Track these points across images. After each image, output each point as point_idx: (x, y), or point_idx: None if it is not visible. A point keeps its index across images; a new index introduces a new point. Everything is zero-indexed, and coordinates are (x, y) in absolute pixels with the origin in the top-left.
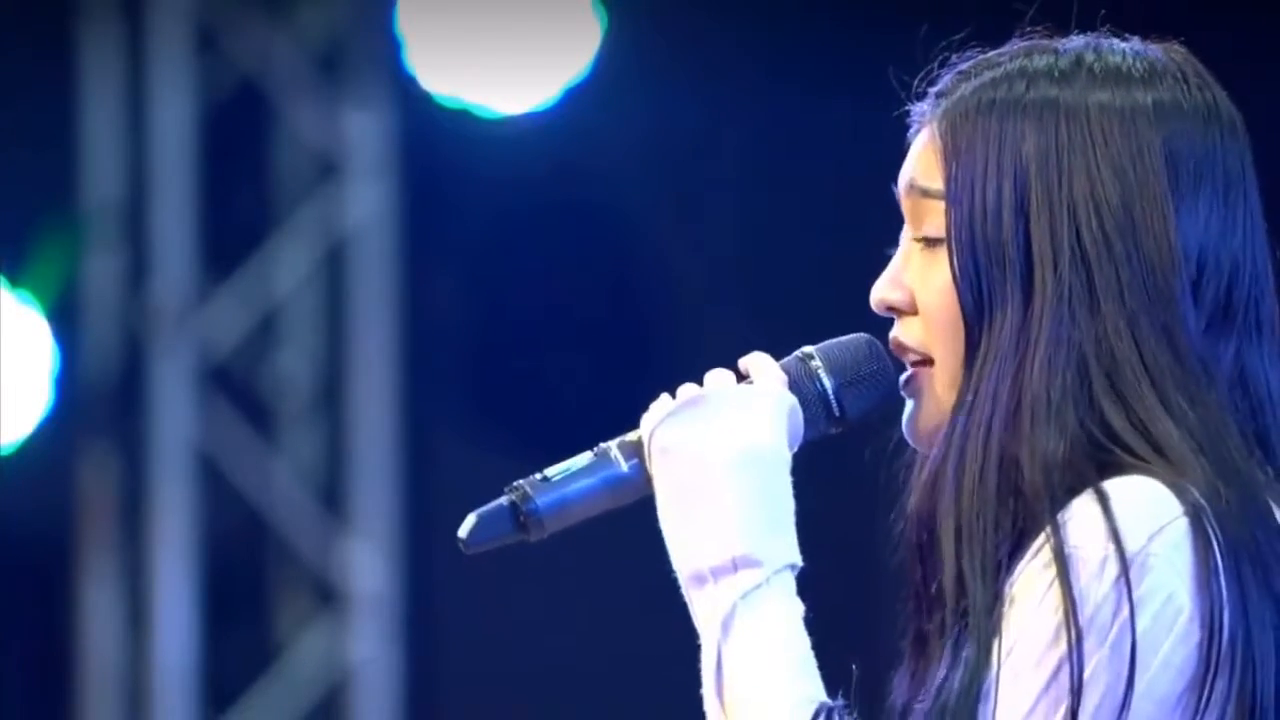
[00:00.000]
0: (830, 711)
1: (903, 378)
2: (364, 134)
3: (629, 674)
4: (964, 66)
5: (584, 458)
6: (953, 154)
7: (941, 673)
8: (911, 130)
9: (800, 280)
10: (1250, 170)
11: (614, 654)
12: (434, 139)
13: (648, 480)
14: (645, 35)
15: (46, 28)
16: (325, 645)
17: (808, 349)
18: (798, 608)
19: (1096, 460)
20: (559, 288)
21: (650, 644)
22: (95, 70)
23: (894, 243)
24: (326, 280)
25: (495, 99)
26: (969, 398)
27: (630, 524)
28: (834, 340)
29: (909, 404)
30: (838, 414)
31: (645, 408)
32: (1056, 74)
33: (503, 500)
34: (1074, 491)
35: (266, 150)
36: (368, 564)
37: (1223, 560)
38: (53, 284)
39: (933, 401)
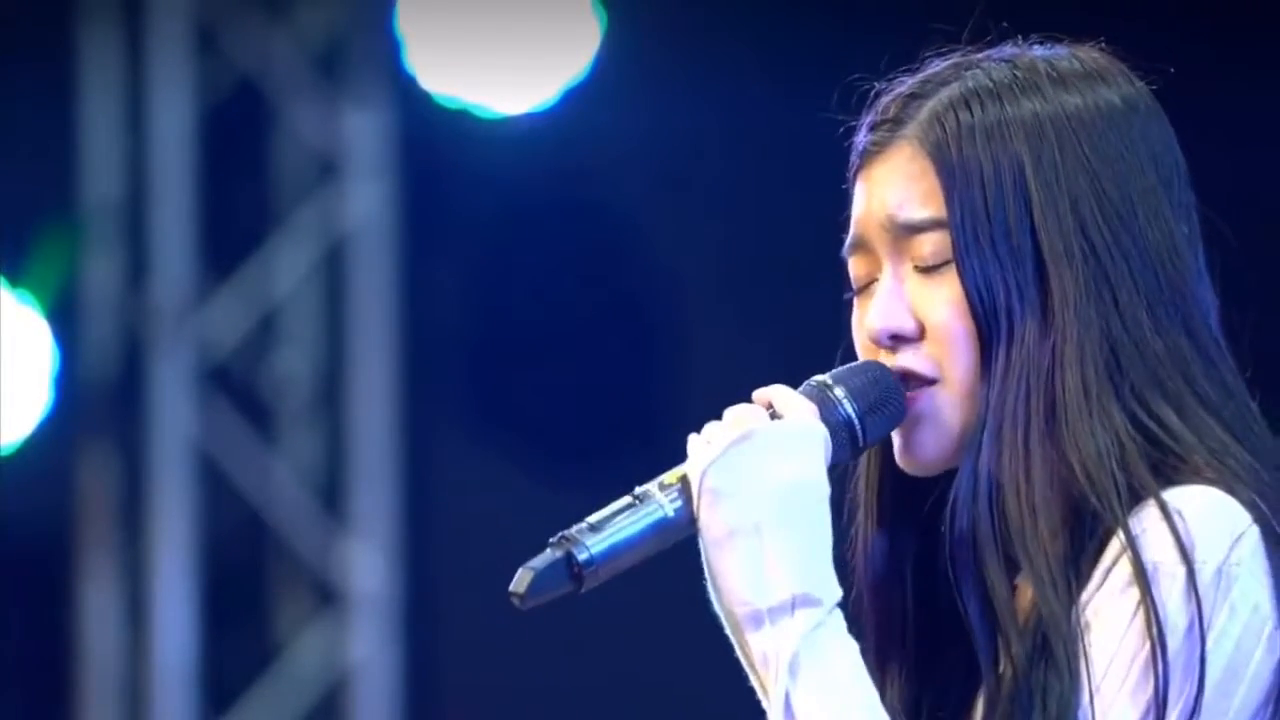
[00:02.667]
0: None
1: (911, 404)
2: (363, 134)
3: (628, 675)
4: (905, 91)
5: (625, 503)
6: (946, 174)
7: (1006, 697)
8: (857, 166)
9: (799, 281)
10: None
11: (614, 655)
12: (433, 139)
13: (692, 521)
14: (645, 36)
15: (46, 28)
16: (325, 645)
17: (822, 378)
18: (854, 643)
19: (1148, 457)
20: (558, 287)
21: (650, 645)
22: (95, 70)
23: None
24: (326, 280)
25: (495, 99)
26: (997, 409)
27: None
28: (845, 368)
29: (906, 434)
30: (862, 443)
31: (644, 409)
32: (1020, 84)
33: (555, 553)
34: (1134, 495)
35: (266, 150)
36: (367, 564)
37: None
38: (52, 283)
39: (938, 424)
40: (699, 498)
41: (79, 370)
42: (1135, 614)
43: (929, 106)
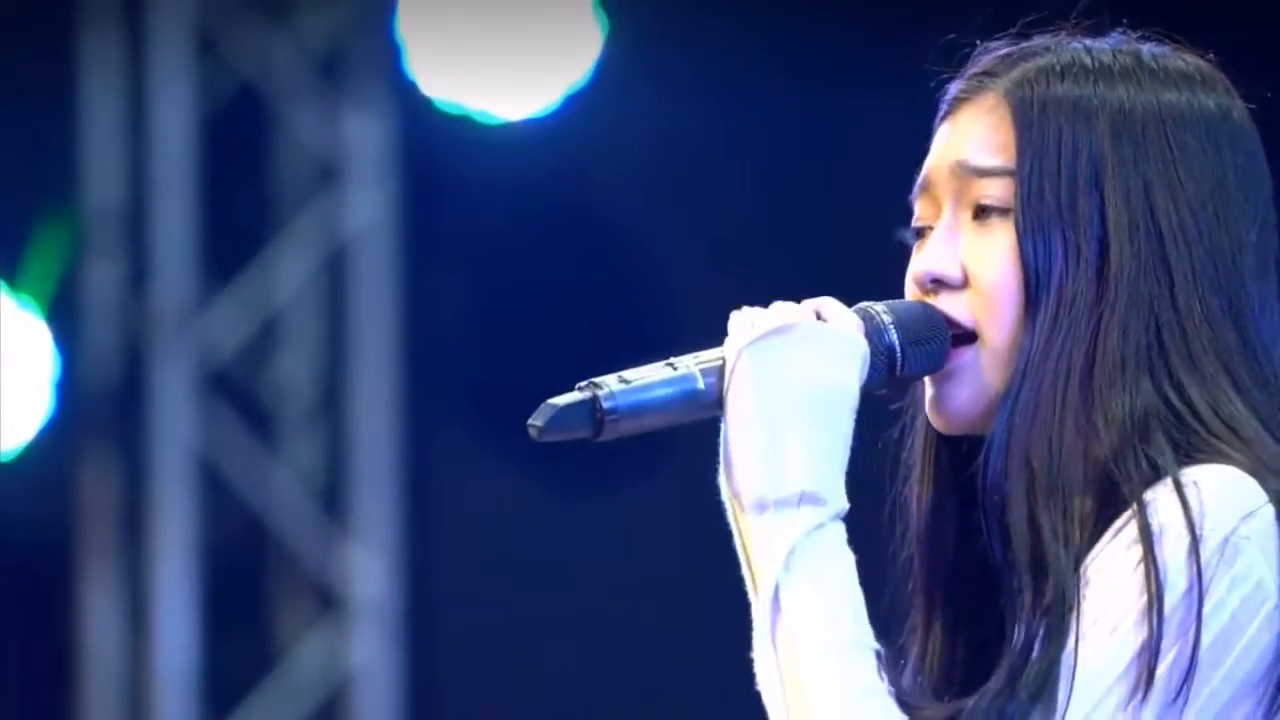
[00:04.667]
0: (884, 658)
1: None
2: (364, 139)
3: (629, 679)
4: (1005, 50)
5: (659, 366)
6: (1023, 127)
7: (1017, 644)
8: (944, 112)
9: (803, 284)
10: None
11: (614, 659)
12: (434, 144)
13: (719, 401)
14: (646, 40)
15: (47, 32)
16: (325, 650)
17: (874, 304)
18: (852, 555)
19: (1171, 436)
20: (559, 292)
21: (651, 648)
22: (96, 75)
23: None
24: (327, 285)
25: (496, 104)
26: (1038, 365)
27: (629, 528)
28: (896, 300)
29: (941, 386)
30: (898, 371)
31: None
32: (1121, 69)
33: (582, 395)
34: (1154, 468)
35: (267, 155)
36: (368, 569)
37: None
38: (51, 286)
39: (974, 380)
40: (730, 375)
41: (79, 375)
42: (1135, 569)
43: (1024, 67)
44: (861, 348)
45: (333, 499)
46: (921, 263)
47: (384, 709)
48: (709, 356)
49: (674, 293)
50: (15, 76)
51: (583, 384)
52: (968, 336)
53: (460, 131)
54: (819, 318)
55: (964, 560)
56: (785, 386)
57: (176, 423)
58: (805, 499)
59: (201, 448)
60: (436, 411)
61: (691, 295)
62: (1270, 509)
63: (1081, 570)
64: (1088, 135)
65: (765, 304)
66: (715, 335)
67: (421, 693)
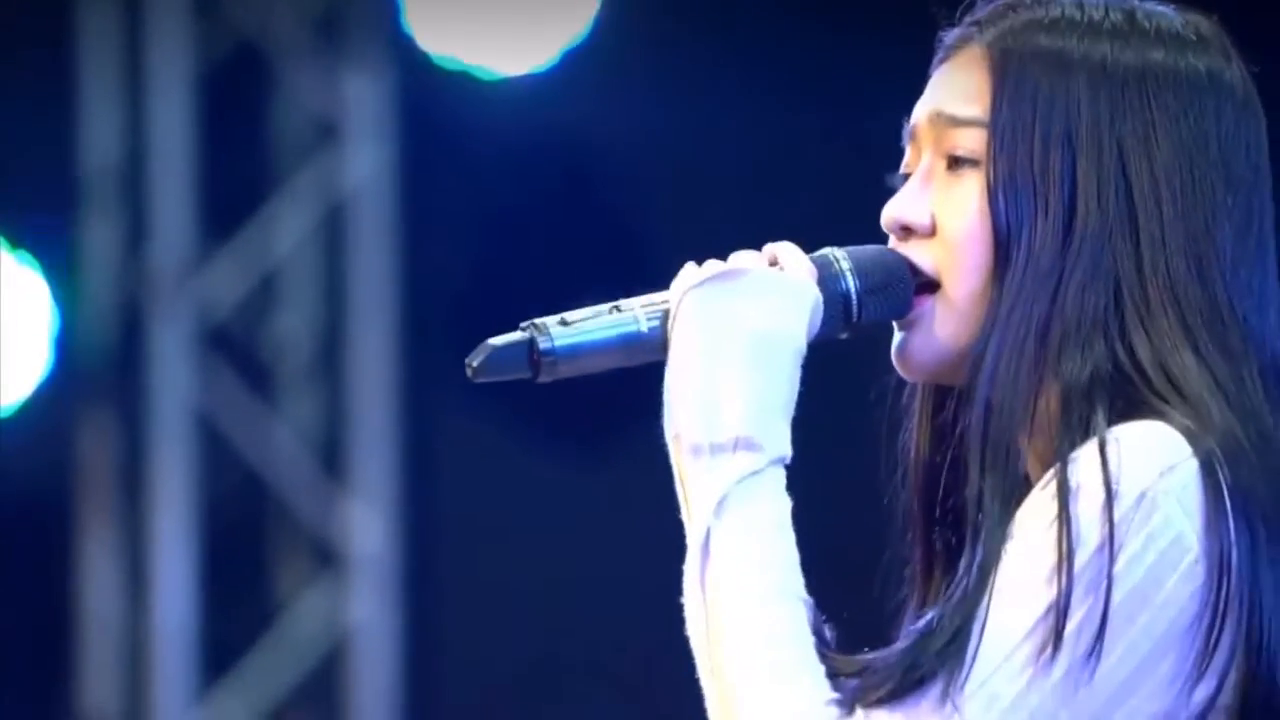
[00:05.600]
0: (813, 608)
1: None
2: (363, 96)
3: (629, 635)
4: (998, 1)
5: (602, 309)
6: (1001, 79)
7: (952, 598)
8: (938, 58)
9: (803, 233)
10: (1265, 145)
11: (614, 615)
12: (433, 101)
13: (663, 346)
14: None
15: None
16: (324, 607)
17: (835, 250)
18: (788, 502)
19: (1114, 394)
20: (558, 248)
21: (652, 606)
22: (93, 32)
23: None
24: (325, 243)
25: (494, 60)
26: (1001, 320)
27: (630, 485)
28: (860, 247)
29: (903, 334)
30: (855, 319)
31: (643, 371)
32: (1109, 26)
33: (520, 335)
34: (1087, 426)
35: (265, 113)
36: (367, 526)
37: (1232, 503)
38: (51, 246)
39: (930, 332)
40: (674, 318)
41: (79, 333)
42: (1050, 527)
43: (1011, 18)
44: (812, 295)
45: (332, 457)
46: (892, 208)
47: (383, 665)
48: (656, 299)
49: (674, 248)
50: (13, 35)
51: (524, 324)
52: (931, 285)
53: (459, 88)
54: (773, 264)
55: (956, 508)
56: (726, 331)
57: (176, 380)
58: (741, 444)
59: (199, 405)
60: (435, 368)
61: (689, 252)
62: (1193, 463)
63: (1009, 528)
64: (1065, 90)
65: None
66: None
67: (420, 649)
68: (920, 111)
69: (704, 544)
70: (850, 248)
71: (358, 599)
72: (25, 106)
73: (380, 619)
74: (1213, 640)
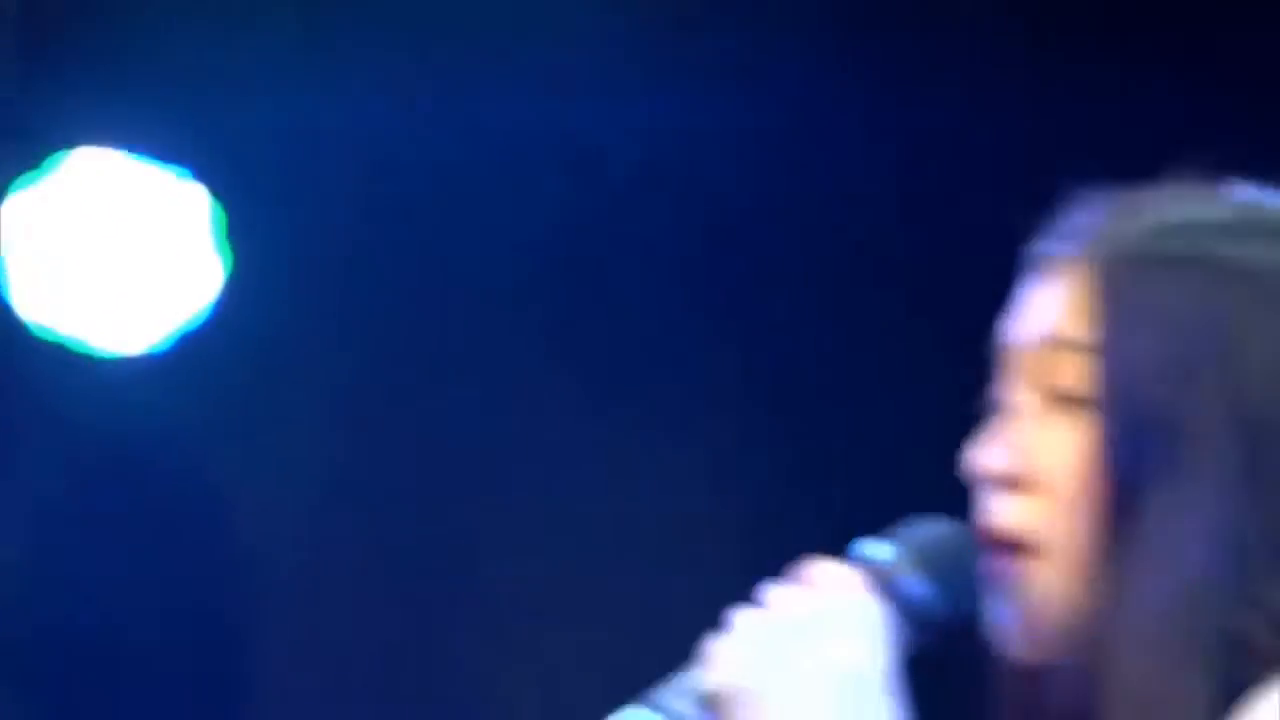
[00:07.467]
0: None
1: (991, 570)
2: None
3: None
4: (1109, 206)
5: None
6: (1111, 300)
7: None
8: (1029, 275)
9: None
10: None
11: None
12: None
13: None
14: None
15: None
16: None
17: (885, 545)
18: None
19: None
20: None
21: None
22: None
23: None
24: None
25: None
26: (1119, 588)
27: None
28: (911, 528)
29: (998, 608)
30: (934, 622)
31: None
32: (1228, 229)
33: None
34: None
35: None
36: None
37: None
38: None
39: (1040, 597)
40: (730, 703)
41: None
42: None
43: (1127, 227)
44: (873, 615)
45: None
46: (976, 455)
47: None
48: (698, 687)
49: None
50: None
51: None
52: (1025, 547)
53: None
54: (814, 592)
55: None
56: (798, 695)
57: None
58: None
59: None
60: None
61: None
62: None
63: None
64: (1181, 314)
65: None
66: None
67: None
68: (1013, 334)
69: None
70: (904, 531)
71: None
72: None
73: None
74: None
